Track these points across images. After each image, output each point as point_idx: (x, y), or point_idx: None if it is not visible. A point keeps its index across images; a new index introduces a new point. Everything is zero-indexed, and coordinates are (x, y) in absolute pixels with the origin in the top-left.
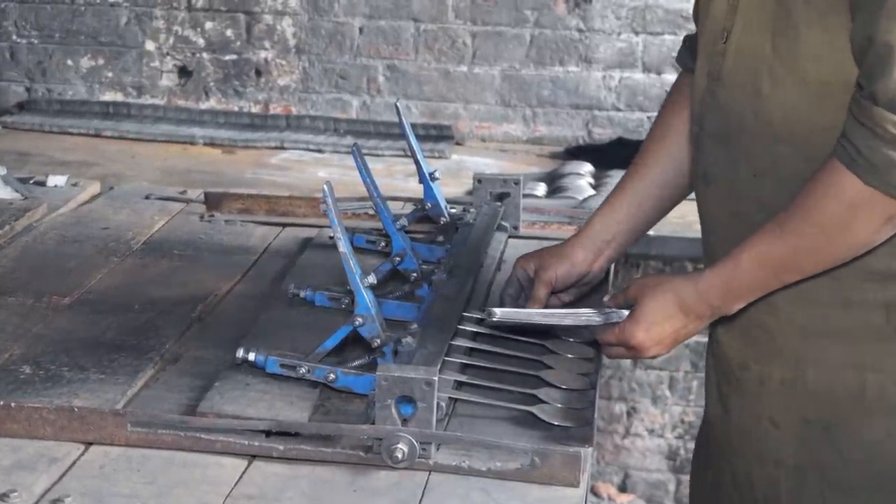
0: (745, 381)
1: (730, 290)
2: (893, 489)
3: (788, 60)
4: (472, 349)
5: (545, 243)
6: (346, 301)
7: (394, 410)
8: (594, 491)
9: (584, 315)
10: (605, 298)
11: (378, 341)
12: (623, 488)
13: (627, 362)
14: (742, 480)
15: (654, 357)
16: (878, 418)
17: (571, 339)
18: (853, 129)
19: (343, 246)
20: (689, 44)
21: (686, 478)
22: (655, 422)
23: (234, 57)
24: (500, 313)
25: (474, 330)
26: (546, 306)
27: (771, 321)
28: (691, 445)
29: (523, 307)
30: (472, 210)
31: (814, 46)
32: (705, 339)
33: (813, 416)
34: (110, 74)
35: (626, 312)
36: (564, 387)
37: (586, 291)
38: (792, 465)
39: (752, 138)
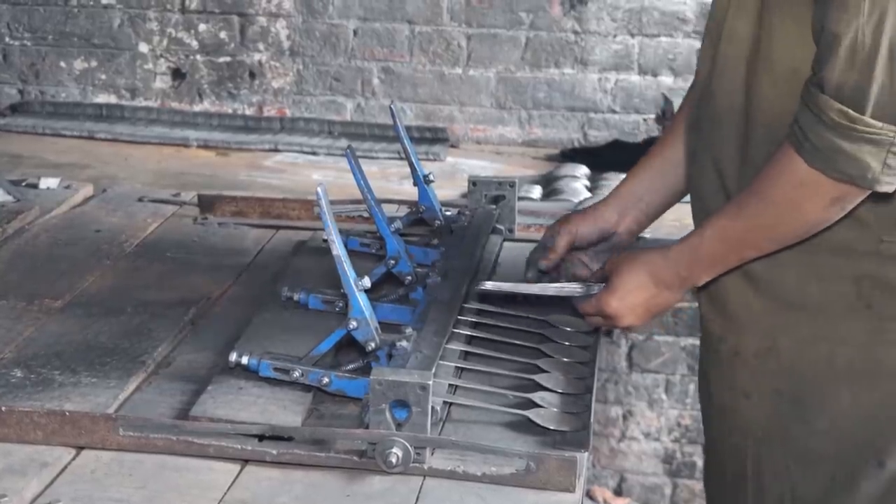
0: (722, 354)
1: (695, 261)
2: (854, 460)
3: (764, 49)
4: (467, 353)
5: None
6: (341, 304)
7: (388, 415)
8: (590, 495)
9: (568, 288)
10: (588, 274)
11: (372, 345)
12: (619, 492)
13: (623, 365)
14: (717, 449)
15: (629, 327)
16: (845, 389)
17: (567, 343)
18: (802, 114)
19: (337, 249)
20: None
21: (682, 481)
22: (651, 425)
23: (227, 59)
24: (489, 285)
25: (469, 333)
26: (569, 269)
27: (748, 293)
28: (688, 449)
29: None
30: (466, 213)
31: (785, 36)
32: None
33: (784, 387)
34: (103, 76)
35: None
36: (560, 391)
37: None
38: (760, 436)
39: (735, 122)
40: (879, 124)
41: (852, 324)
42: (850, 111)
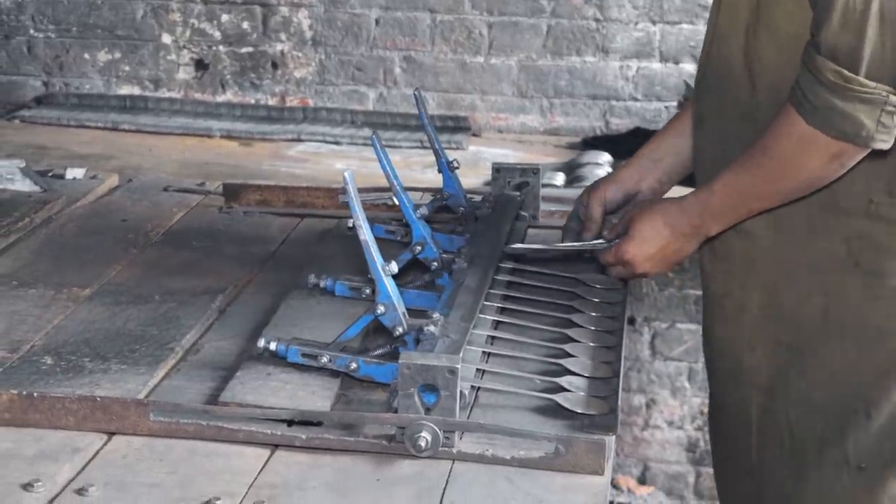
0: (728, 308)
1: (706, 212)
2: (845, 411)
3: (765, 15)
4: (494, 338)
5: None
6: (367, 291)
7: (417, 399)
8: (614, 484)
9: (591, 243)
10: (605, 233)
11: (400, 329)
12: (642, 480)
13: (646, 353)
14: (722, 402)
15: (646, 274)
16: (837, 343)
17: (593, 328)
18: (801, 75)
19: (364, 234)
20: None
21: (705, 469)
22: (675, 414)
23: (250, 49)
24: (516, 246)
25: (496, 319)
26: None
27: (751, 250)
28: None
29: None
30: (491, 199)
31: (785, 2)
32: None
33: (784, 339)
34: (127, 68)
35: None
36: (587, 375)
37: None
38: (764, 386)
39: (737, 86)
40: (873, 84)
41: (843, 280)
42: (845, 71)
